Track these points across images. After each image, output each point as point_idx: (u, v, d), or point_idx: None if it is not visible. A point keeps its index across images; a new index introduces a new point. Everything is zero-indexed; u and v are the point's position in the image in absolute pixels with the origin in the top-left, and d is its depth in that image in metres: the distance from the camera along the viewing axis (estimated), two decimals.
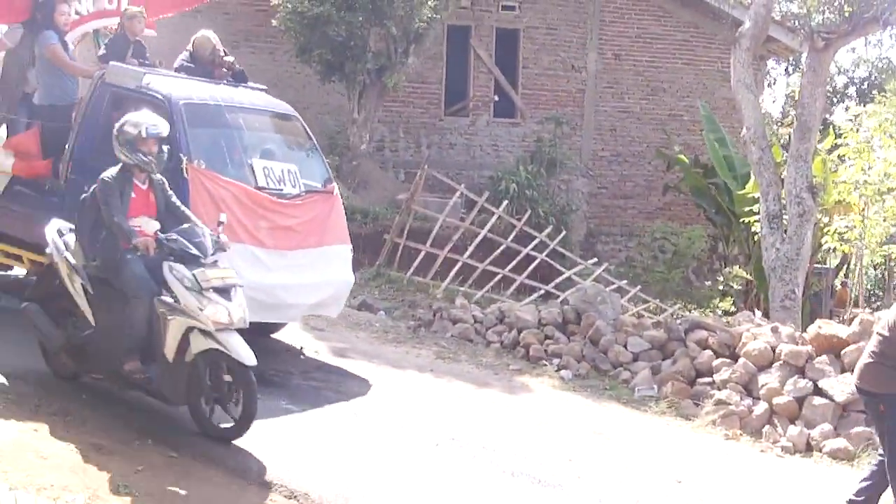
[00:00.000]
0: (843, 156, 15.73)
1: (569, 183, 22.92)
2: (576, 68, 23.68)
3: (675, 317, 14.20)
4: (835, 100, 37.28)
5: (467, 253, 17.15)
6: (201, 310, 8.13)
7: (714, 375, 11.44)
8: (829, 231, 15.46)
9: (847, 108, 31.36)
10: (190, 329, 8.20)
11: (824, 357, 10.79)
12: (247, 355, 8.09)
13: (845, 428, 10.16)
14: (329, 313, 11.75)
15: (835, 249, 15.78)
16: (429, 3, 17.85)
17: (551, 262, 18.03)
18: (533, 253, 17.87)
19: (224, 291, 8.40)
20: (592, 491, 8.46)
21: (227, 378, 8.25)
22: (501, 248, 17.71)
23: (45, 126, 11.44)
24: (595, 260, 18.79)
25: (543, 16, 23.34)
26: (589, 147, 23.74)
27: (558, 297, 16.30)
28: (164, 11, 13.33)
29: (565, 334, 13.42)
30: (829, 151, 16.04)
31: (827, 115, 29.55)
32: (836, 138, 16.19)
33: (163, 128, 8.98)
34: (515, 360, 12.85)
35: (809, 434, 10.17)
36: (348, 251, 11.55)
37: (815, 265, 17.80)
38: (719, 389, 11.15)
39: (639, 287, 16.50)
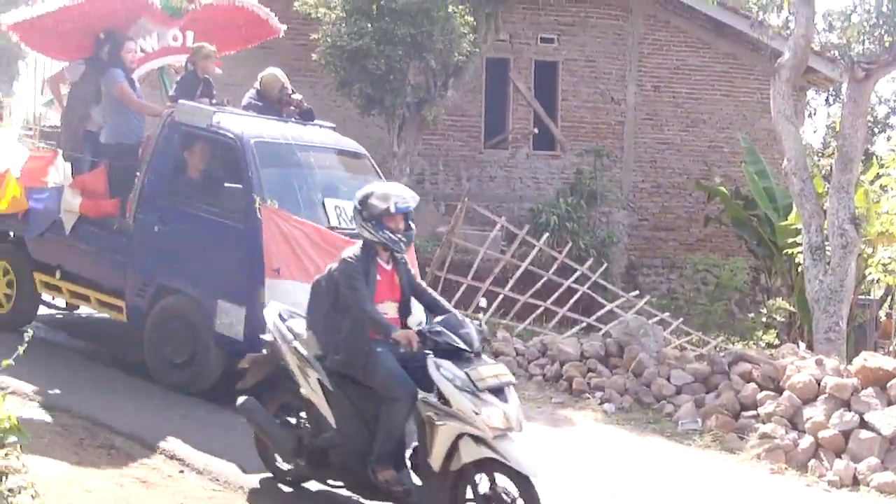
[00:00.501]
0: (886, 186, 15.62)
1: (609, 215, 22.87)
2: (615, 100, 23.64)
3: (718, 349, 14.11)
4: (876, 130, 37.04)
5: (508, 286, 17.12)
6: (477, 414, 6.99)
7: (758, 408, 11.37)
8: (872, 262, 15.33)
9: (889, 138, 31.24)
10: (460, 435, 7.10)
11: (870, 390, 10.70)
12: (528, 465, 6.98)
13: (893, 461, 10.09)
14: None
15: (879, 280, 15.63)
16: (468, 36, 17.89)
17: (593, 294, 17.97)
18: (574, 285, 17.82)
19: (499, 392, 7.25)
20: None
21: (508, 490, 7.08)
22: (542, 280, 17.67)
23: (112, 165, 11.44)
24: (637, 292, 18.71)
25: (582, 48, 23.35)
26: (629, 179, 23.68)
27: (600, 329, 16.25)
28: (230, 48, 13.36)
29: (608, 367, 13.37)
30: (872, 182, 15.91)
31: (869, 146, 29.39)
32: (878, 168, 16.07)
33: (412, 202, 7.85)
34: (558, 394, 12.82)
35: (856, 468, 10.09)
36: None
37: (860, 296, 17.64)
38: (764, 423, 11.08)
39: (681, 319, 16.40)
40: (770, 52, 16.93)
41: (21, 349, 6.41)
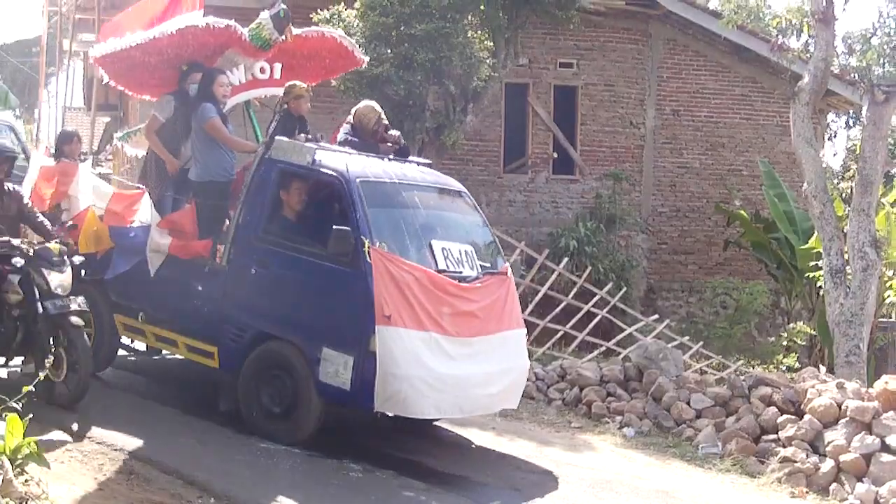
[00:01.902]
0: None
1: (629, 239, 22.84)
2: (634, 124, 23.65)
3: (738, 373, 14.06)
4: None
5: (528, 310, 17.09)
6: None
7: (779, 432, 11.34)
8: (893, 285, 15.29)
9: None
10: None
11: (891, 413, 10.67)
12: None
13: None
14: (509, 405, 10.93)
15: None
16: (487, 61, 17.94)
17: (612, 318, 17.96)
18: (594, 309, 17.82)
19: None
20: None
21: None
22: (562, 305, 17.67)
23: (201, 203, 11.03)
24: (656, 316, 18.69)
25: (601, 73, 23.37)
26: (648, 203, 23.66)
27: (620, 353, 16.22)
28: (313, 80, 12.76)
29: (627, 391, 13.36)
30: (893, 204, 15.87)
31: (889, 168, 29.25)
32: None
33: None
34: (577, 418, 12.81)
35: (878, 492, 10.05)
36: (523, 336, 11.04)
37: (881, 319, 17.55)
38: (784, 447, 11.05)
39: (701, 343, 16.38)
40: (790, 76, 16.94)
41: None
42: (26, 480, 5.13)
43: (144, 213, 11.16)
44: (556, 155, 23.10)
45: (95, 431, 9.60)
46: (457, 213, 11.15)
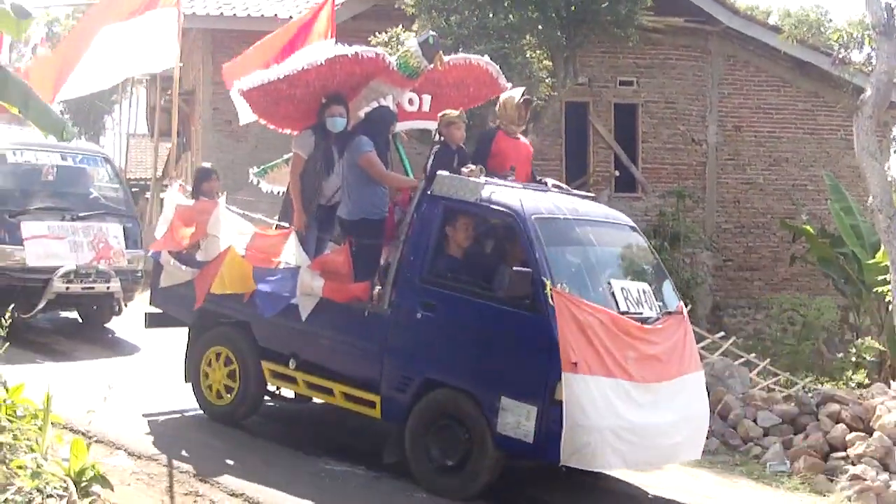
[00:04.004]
0: None
1: (693, 256, 22.70)
2: (696, 141, 23.59)
3: (806, 390, 13.91)
4: None
5: None
6: None
7: (848, 450, 11.22)
8: None
9: None
10: None
11: None
12: None
13: None
14: (692, 455, 10.07)
15: None
16: (546, 81, 17.94)
17: None
18: None
19: None
20: None
21: None
22: None
23: (356, 243, 10.40)
24: (722, 333, 18.55)
25: (661, 90, 23.35)
26: (712, 220, 23.55)
27: None
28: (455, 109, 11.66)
29: None
30: None
31: None
32: None
33: None
34: None
35: None
36: (703, 379, 10.34)
37: None
38: (854, 464, 10.93)
39: (767, 360, 16.22)
40: (852, 89, 16.82)
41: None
42: (91, 501, 5.17)
43: (291, 253, 10.59)
44: (617, 173, 23.09)
45: (161, 454, 9.67)
46: (630, 250, 10.49)
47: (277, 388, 11.32)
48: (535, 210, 9.47)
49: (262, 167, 12.62)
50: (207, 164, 12.62)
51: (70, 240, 14.82)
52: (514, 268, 9.07)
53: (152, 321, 12.07)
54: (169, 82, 30.36)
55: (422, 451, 9.49)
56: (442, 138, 10.74)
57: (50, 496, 5.02)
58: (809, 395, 12.94)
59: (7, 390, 5.56)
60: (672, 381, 9.49)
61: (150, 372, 13.15)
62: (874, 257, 17.36)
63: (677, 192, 22.70)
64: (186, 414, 11.28)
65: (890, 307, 14.83)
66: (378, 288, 10.00)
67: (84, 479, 5.33)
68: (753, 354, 17.85)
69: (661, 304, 9.89)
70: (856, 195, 21.42)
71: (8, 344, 8.01)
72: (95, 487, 5.39)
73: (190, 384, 11.25)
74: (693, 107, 23.62)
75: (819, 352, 20.49)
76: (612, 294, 9.37)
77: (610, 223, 10.44)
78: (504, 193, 9.70)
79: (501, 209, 9.53)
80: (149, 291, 12.23)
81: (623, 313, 9.26)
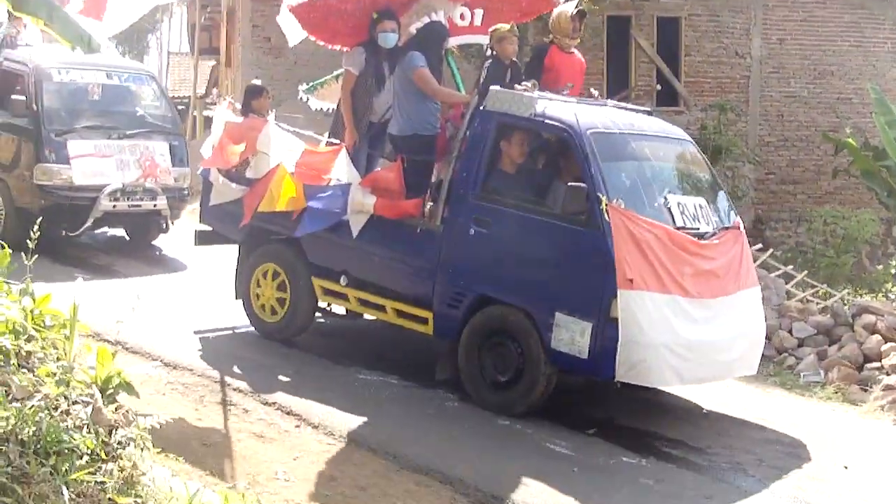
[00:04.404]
0: None
1: (735, 170, 22.54)
2: (739, 54, 23.33)
3: (843, 302, 13.88)
4: None
5: None
6: None
7: (883, 360, 11.25)
8: None
9: None
10: None
11: None
12: None
13: None
14: (747, 371, 10.06)
15: None
16: None
17: None
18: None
19: None
20: (757, 476, 8.41)
21: None
22: None
23: (407, 160, 10.36)
24: (759, 246, 18.46)
25: (705, 3, 23.09)
26: (755, 133, 23.36)
27: None
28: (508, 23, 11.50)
29: None
30: None
31: None
32: None
33: None
34: None
35: None
36: (759, 294, 10.26)
37: None
38: (888, 374, 10.95)
39: (805, 273, 16.14)
40: None
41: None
42: (116, 408, 5.28)
43: (342, 170, 10.48)
44: (659, 87, 22.83)
45: (200, 365, 9.84)
46: (686, 164, 10.35)
47: (329, 305, 11.31)
48: (591, 125, 9.34)
49: (312, 84, 12.43)
50: (258, 81, 12.53)
51: (117, 158, 14.99)
52: (570, 183, 8.99)
53: (202, 239, 12.13)
54: (209, 0, 30.51)
55: (474, 368, 9.53)
56: (494, 53, 10.50)
57: (75, 403, 5.12)
58: (846, 306, 12.91)
59: (34, 300, 5.65)
60: (728, 296, 9.45)
61: (195, 289, 13.39)
62: None
63: (719, 106, 22.48)
64: (238, 331, 11.41)
65: None
66: (430, 204, 9.97)
67: (110, 386, 5.42)
68: (791, 267, 17.80)
69: (717, 219, 9.83)
70: None
71: (51, 261, 8.16)
72: (122, 395, 5.48)
73: (240, 301, 11.35)
74: (737, 20, 23.33)
75: (860, 264, 20.38)
76: (669, 209, 9.32)
77: (666, 137, 10.34)
78: (559, 108, 9.57)
79: (556, 124, 9.43)
80: (195, 209, 12.33)
81: (679, 228, 9.19)
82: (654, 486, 8.03)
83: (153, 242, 16.29)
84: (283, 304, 10.96)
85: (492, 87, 9.77)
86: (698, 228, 9.42)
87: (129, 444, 5.10)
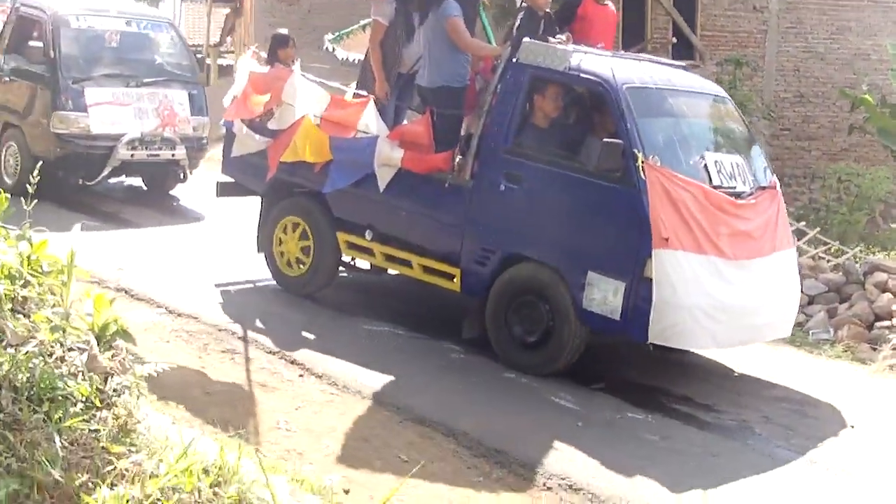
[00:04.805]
0: None
1: (750, 125, 22.30)
2: (757, 8, 23.06)
3: (855, 259, 13.77)
4: None
5: None
6: None
7: (893, 319, 11.17)
8: None
9: None
10: None
11: None
12: None
13: None
14: (782, 333, 9.93)
15: None
16: None
17: None
18: None
19: None
20: (764, 434, 8.43)
21: None
22: None
23: (437, 113, 10.12)
24: None
25: None
26: (770, 88, 23.14)
27: None
28: None
29: None
30: None
31: None
32: None
33: None
34: None
35: None
36: (795, 256, 10.15)
37: None
38: None
39: (818, 230, 16.04)
40: None
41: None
42: (112, 356, 5.20)
43: (369, 122, 10.35)
44: (675, 40, 22.66)
45: (202, 312, 9.79)
46: (723, 121, 10.19)
47: (353, 259, 11.18)
48: (627, 79, 9.13)
49: (338, 33, 12.40)
50: (284, 31, 12.26)
51: (135, 106, 14.87)
52: (605, 139, 8.77)
53: (223, 190, 11.93)
54: None
55: (502, 327, 9.39)
56: (526, 5, 10.38)
57: (71, 349, 5.05)
58: (857, 264, 12.80)
59: (32, 245, 5.57)
60: (764, 258, 9.27)
61: (210, 239, 13.36)
62: None
63: (735, 60, 22.27)
64: (258, 284, 11.32)
65: None
66: (459, 158, 9.74)
67: (107, 333, 5.35)
68: (804, 223, 17.69)
69: (753, 178, 9.60)
70: None
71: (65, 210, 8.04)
72: (118, 342, 5.40)
73: (261, 255, 11.27)
74: None
75: (874, 222, 20.25)
76: (705, 167, 9.11)
77: (703, 94, 10.16)
78: (594, 62, 9.36)
79: (591, 78, 9.20)
80: (213, 158, 12.18)
81: (716, 187, 9.00)
82: (660, 443, 8.01)
83: (171, 192, 16.21)
84: (307, 258, 10.84)
85: (525, 40, 9.54)
86: (735, 187, 9.21)
87: (124, 391, 5.03)
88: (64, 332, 5.21)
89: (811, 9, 23.38)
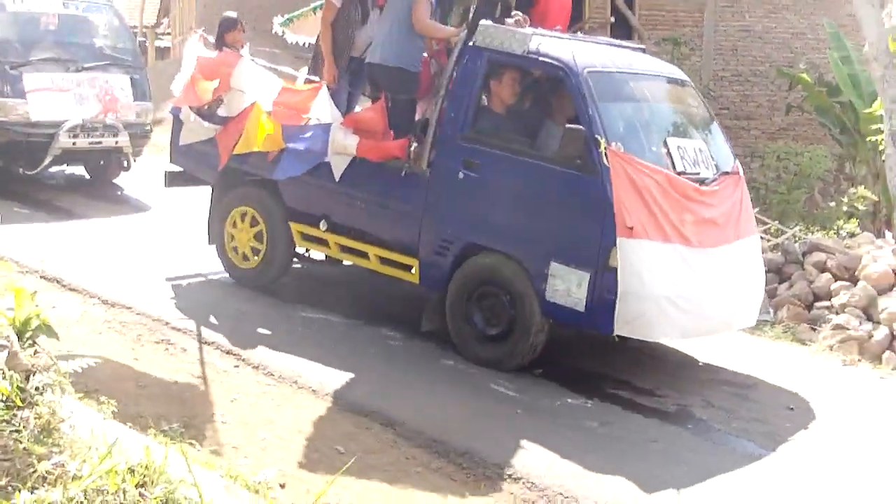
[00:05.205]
0: None
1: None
2: None
3: (794, 239, 13.78)
4: None
5: None
6: None
7: (832, 299, 11.18)
8: None
9: None
10: None
11: None
12: None
13: None
14: (747, 322, 9.67)
15: None
16: None
17: None
18: None
19: None
20: (704, 418, 8.41)
21: None
22: None
23: (391, 97, 9.83)
24: None
25: None
26: (709, 67, 23.27)
27: None
28: None
29: None
30: None
31: None
32: None
33: None
34: None
35: None
36: (758, 242, 9.93)
37: None
38: (837, 314, 10.88)
39: (758, 209, 16.07)
40: None
41: None
42: (35, 352, 5.04)
43: (322, 109, 10.01)
44: (613, 19, 22.70)
45: (135, 302, 9.60)
46: (684, 106, 9.88)
47: (307, 251, 10.90)
48: (588, 63, 8.85)
49: (288, 16, 11.89)
50: (233, 14, 11.76)
51: (75, 92, 14.45)
52: (567, 125, 8.48)
53: (172, 180, 11.51)
54: None
55: (463, 320, 9.14)
56: None
57: None
58: (796, 243, 12.80)
59: None
60: (729, 245, 9.06)
61: (152, 230, 13.06)
62: (871, 107, 17.11)
63: (673, 40, 22.38)
64: (209, 277, 11.02)
65: (883, 156, 14.62)
66: (415, 146, 9.42)
67: (29, 329, 5.18)
68: None
69: (716, 163, 9.35)
70: (856, 44, 21.06)
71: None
72: (41, 337, 5.24)
73: (213, 246, 10.94)
74: None
75: (812, 201, 20.37)
76: (669, 153, 8.87)
77: (664, 77, 9.93)
78: (554, 45, 9.05)
79: (551, 62, 8.88)
80: (157, 145, 11.86)
81: (680, 174, 8.76)
82: (598, 429, 7.91)
83: (114, 181, 15.82)
84: (259, 249, 10.55)
85: (482, 22, 9.20)
86: (698, 173, 8.99)
87: (46, 389, 4.86)
88: None
89: None
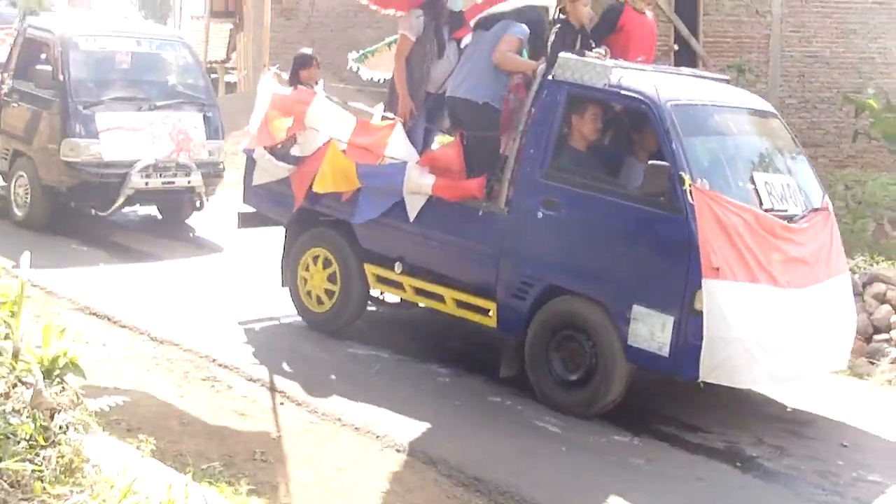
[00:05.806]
0: None
1: None
2: (760, 13, 22.98)
3: (855, 270, 13.56)
4: None
5: None
6: None
7: (892, 332, 10.95)
8: None
9: None
10: None
11: None
12: None
13: None
14: (836, 366, 9.32)
15: None
16: None
17: None
18: None
19: None
20: (755, 456, 8.28)
21: None
22: None
23: (470, 135, 9.63)
24: None
25: None
26: (775, 94, 22.93)
27: None
28: None
29: None
30: None
31: None
32: None
33: None
34: None
35: None
36: (850, 281, 9.59)
37: None
38: None
39: None
40: None
41: None
42: (61, 390, 5.07)
43: (398, 147, 9.82)
44: (676, 47, 22.54)
45: (183, 338, 9.65)
46: (771, 138, 9.54)
47: (381, 294, 10.71)
48: (672, 96, 8.60)
49: (362, 52, 11.92)
50: (308, 50, 11.82)
51: (148, 131, 14.29)
52: (650, 161, 8.28)
53: (245, 221, 11.44)
54: None
55: (542, 364, 8.90)
56: (563, 17, 9.57)
57: (15, 385, 4.91)
58: (856, 275, 12.58)
59: None
60: (819, 285, 8.73)
61: (230, 272, 12.95)
62: None
63: (738, 67, 22.12)
64: (283, 321, 10.91)
65: None
66: (494, 185, 9.29)
67: (57, 367, 5.21)
68: None
69: (805, 199, 9.06)
70: None
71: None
72: (69, 376, 5.27)
73: (287, 289, 10.81)
74: None
75: (882, 230, 20.00)
76: (756, 189, 8.59)
77: (749, 109, 9.63)
78: (636, 78, 8.82)
79: (634, 95, 8.63)
80: (228, 184, 11.78)
81: (767, 210, 8.48)
82: (644, 466, 7.83)
83: (187, 221, 15.61)
84: (333, 292, 10.35)
85: (561, 55, 8.97)
86: (786, 210, 8.70)
87: (68, 428, 4.89)
88: (14, 365, 5.10)
89: (814, 12, 23.30)
